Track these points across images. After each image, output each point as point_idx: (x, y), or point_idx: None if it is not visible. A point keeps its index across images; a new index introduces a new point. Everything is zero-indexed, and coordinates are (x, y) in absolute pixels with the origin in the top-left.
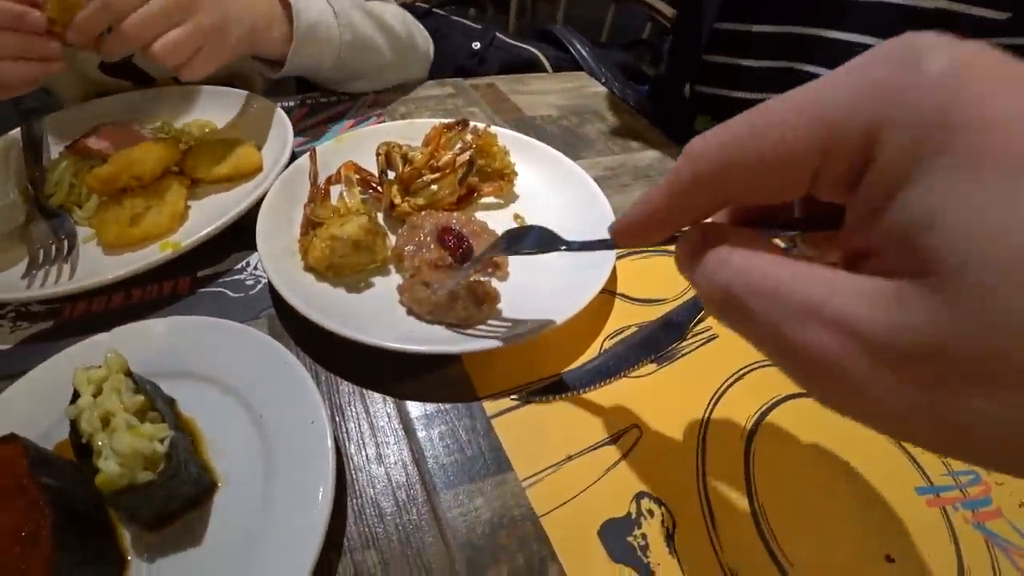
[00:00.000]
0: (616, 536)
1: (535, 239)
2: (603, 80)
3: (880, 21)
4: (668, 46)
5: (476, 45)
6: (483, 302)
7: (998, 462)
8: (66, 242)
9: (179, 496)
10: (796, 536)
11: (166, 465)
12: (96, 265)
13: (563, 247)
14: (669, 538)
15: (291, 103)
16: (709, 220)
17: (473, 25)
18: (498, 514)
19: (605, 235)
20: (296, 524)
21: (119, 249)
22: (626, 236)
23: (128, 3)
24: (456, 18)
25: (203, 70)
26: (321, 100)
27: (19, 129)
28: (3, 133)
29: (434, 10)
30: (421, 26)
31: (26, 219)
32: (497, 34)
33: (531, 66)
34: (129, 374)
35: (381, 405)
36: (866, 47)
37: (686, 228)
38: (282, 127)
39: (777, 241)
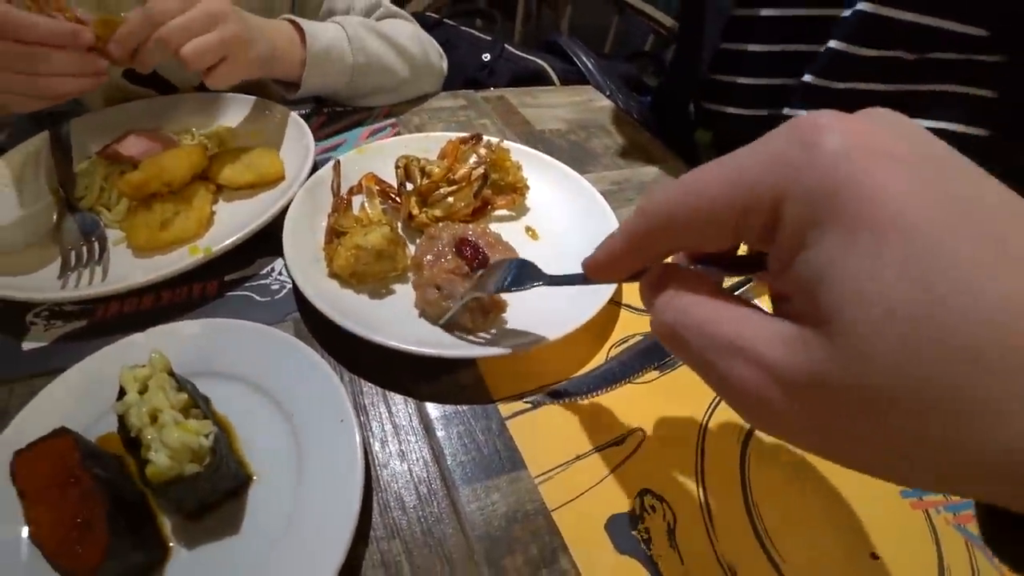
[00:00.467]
0: (621, 529)
1: (516, 274)
2: (607, 92)
3: (861, 32)
4: (670, 61)
5: (486, 57)
6: (489, 312)
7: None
8: (97, 244)
9: (220, 489)
10: (787, 533)
11: (212, 459)
12: (127, 267)
13: (540, 283)
14: (670, 532)
15: (307, 110)
16: (669, 259)
17: (482, 36)
18: (513, 508)
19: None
20: (328, 515)
21: (149, 252)
22: (595, 273)
23: (166, 15)
24: (465, 29)
25: (226, 78)
26: (337, 109)
27: (46, 133)
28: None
29: (444, 21)
30: (435, 43)
31: (57, 220)
32: (506, 46)
33: (539, 78)
34: (171, 373)
35: (403, 406)
36: (851, 56)
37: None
38: (303, 137)
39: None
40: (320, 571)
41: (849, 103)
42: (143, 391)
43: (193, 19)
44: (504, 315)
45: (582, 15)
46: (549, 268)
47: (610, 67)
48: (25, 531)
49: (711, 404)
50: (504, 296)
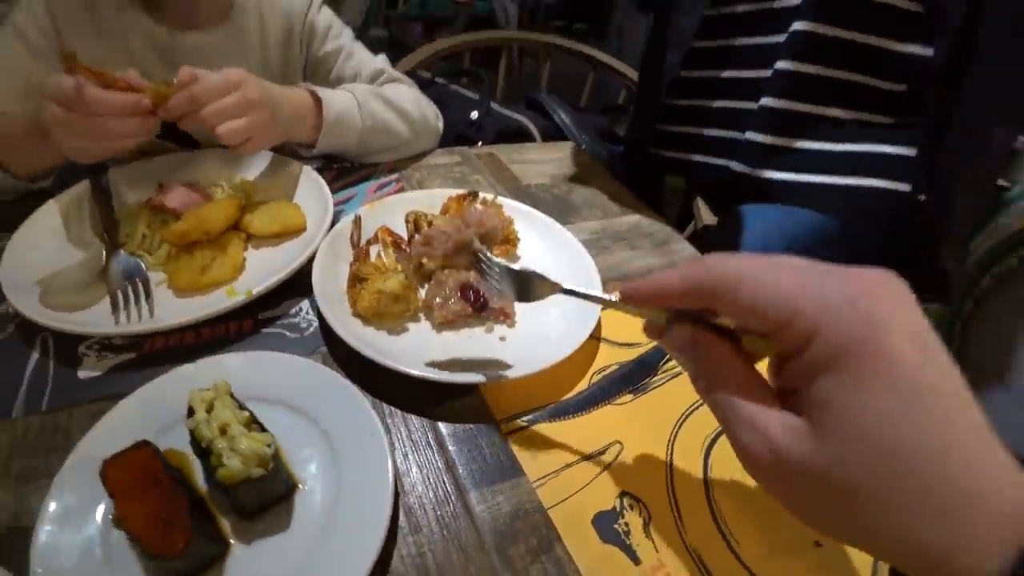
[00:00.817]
0: (605, 524)
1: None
2: (583, 146)
3: (790, 88)
4: (630, 116)
5: (474, 115)
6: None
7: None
8: (141, 285)
9: (274, 493)
10: (743, 524)
11: (273, 464)
12: (169, 306)
13: (565, 291)
14: (646, 525)
15: (318, 165)
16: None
17: (470, 95)
18: (515, 507)
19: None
20: (364, 516)
21: (189, 293)
22: (633, 299)
23: (208, 97)
24: (454, 87)
25: (248, 151)
26: (345, 165)
27: (85, 182)
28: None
29: (436, 80)
30: (433, 105)
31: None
32: (492, 105)
33: (521, 134)
34: (232, 395)
35: (419, 425)
36: (791, 112)
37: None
38: (321, 191)
39: None
40: (359, 563)
41: (794, 160)
42: (209, 410)
43: (231, 105)
44: (509, 348)
45: (561, 66)
46: (538, 308)
47: (585, 120)
48: (99, 522)
49: (677, 421)
50: (508, 333)
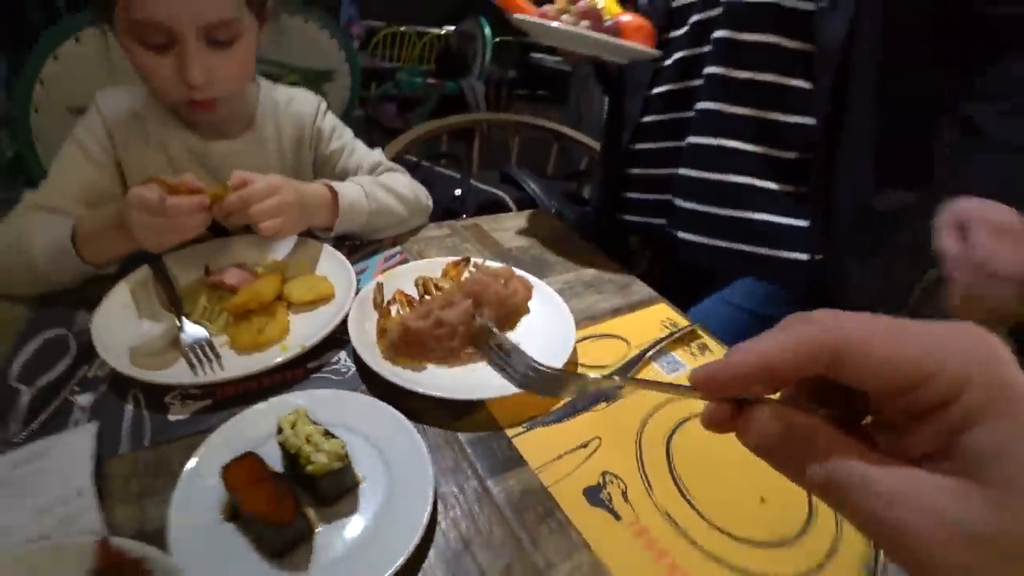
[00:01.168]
0: (593, 494)
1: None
2: (553, 211)
3: (699, 158)
4: (594, 183)
5: (457, 192)
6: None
7: None
8: (208, 348)
9: (345, 485)
10: (699, 487)
11: (347, 460)
12: (233, 362)
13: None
14: (624, 494)
15: (332, 243)
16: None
17: (452, 175)
18: (523, 488)
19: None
20: (413, 500)
21: (249, 351)
22: (724, 382)
23: (255, 199)
24: (438, 169)
25: (281, 237)
26: (355, 242)
27: (145, 266)
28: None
29: (422, 163)
30: (423, 187)
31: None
32: (472, 182)
33: (499, 205)
34: (308, 417)
35: (443, 436)
36: (703, 180)
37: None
38: (345, 266)
39: None
40: (411, 533)
41: (709, 225)
42: (293, 427)
43: (273, 206)
44: None
45: (528, 136)
46: (525, 344)
47: (552, 187)
48: (213, 518)
49: (643, 421)
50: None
